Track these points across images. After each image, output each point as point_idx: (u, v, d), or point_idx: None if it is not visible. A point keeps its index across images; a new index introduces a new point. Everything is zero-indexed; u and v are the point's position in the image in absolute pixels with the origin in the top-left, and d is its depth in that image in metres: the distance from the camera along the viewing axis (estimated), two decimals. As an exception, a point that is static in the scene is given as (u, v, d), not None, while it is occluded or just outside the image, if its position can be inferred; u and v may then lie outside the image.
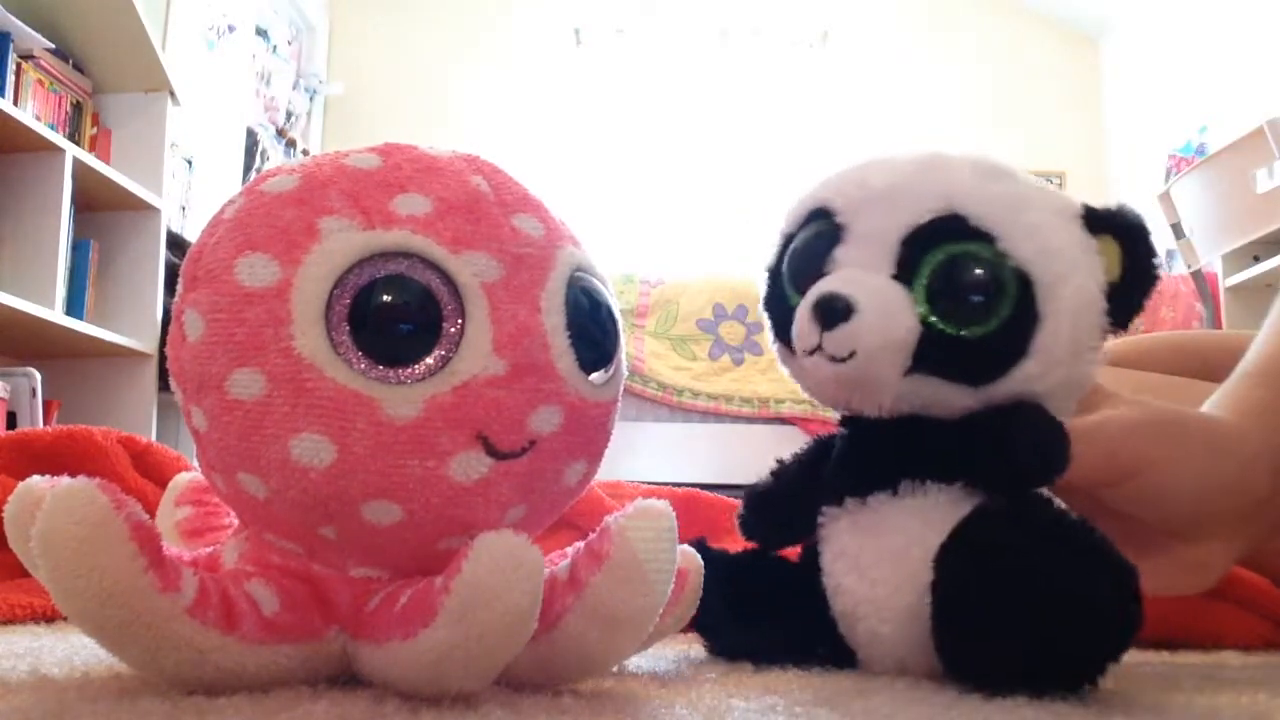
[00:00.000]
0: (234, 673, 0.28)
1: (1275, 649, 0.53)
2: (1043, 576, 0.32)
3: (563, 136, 3.78)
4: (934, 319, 0.36)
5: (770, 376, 2.32)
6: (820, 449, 0.43)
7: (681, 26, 3.85)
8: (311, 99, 3.74)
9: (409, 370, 0.29)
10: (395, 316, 0.29)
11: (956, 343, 0.36)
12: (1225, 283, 2.74)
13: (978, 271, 0.36)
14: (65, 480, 0.26)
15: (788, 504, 0.43)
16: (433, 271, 0.29)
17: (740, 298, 2.42)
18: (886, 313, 0.36)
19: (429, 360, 0.29)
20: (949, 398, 0.37)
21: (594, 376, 0.33)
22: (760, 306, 0.43)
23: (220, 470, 0.31)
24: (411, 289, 0.29)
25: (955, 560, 0.34)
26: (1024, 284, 0.36)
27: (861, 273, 0.37)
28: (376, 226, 0.29)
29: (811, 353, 0.38)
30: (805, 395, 0.42)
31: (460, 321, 0.29)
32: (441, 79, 3.81)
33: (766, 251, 0.43)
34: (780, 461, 0.45)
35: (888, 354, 0.36)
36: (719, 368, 2.41)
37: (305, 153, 3.57)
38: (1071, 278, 0.36)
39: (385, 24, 3.87)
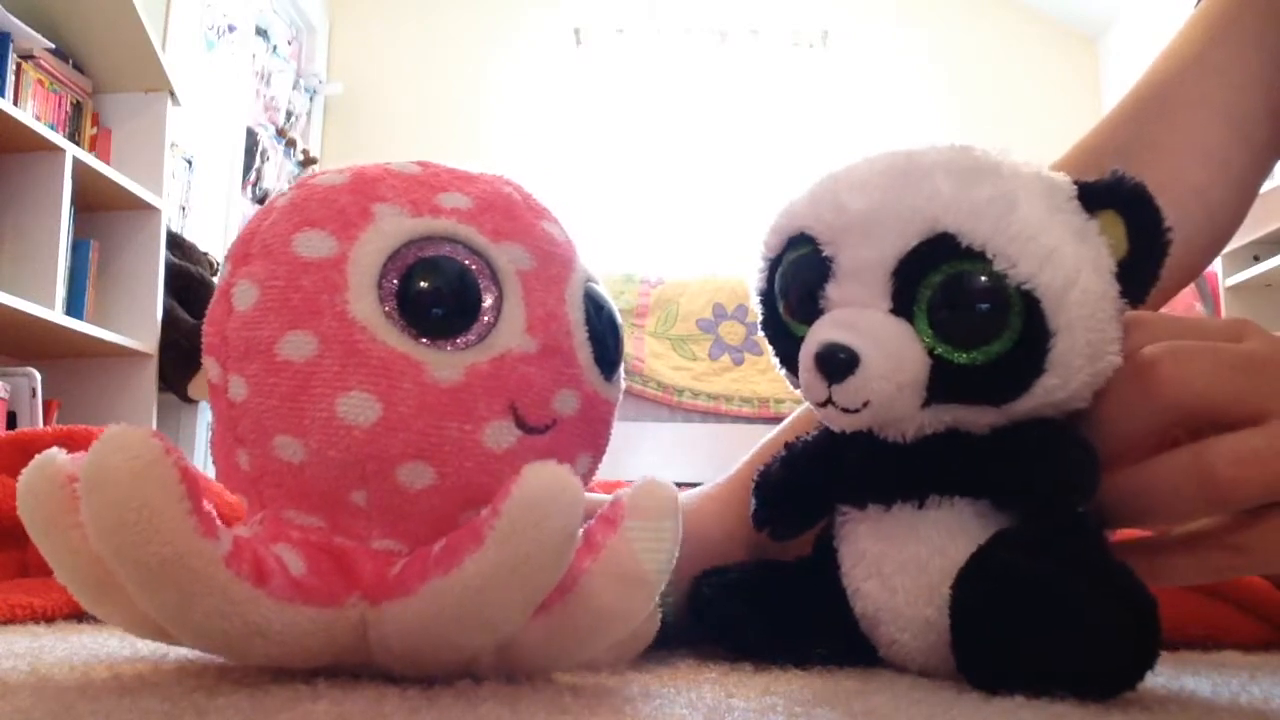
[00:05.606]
0: (259, 629, 0.28)
1: (1275, 649, 0.53)
2: (1057, 608, 0.31)
3: (563, 136, 3.78)
4: (940, 349, 0.35)
5: (770, 376, 2.32)
6: (831, 438, 0.41)
7: (681, 27, 3.86)
8: (311, 99, 3.74)
9: (454, 340, 0.31)
10: (441, 293, 0.32)
11: (968, 370, 0.35)
12: (1225, 282, 2.75)
13: (976, 293, 0.34)
14: (114, 425, 0.27)
15: (801, 496, 0.42)
16: (474, 256, 0.32)
17: (740, 298, 2.42)
18: (892, 355, 0.35)
19: (470, 335, 0.31)
20: (973, 417, 0.36)
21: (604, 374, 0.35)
22: (759, 331, 0.42)
23: (252, 441, 0.32)
24: (456, 270, 0.32)
25: (971, 586, 0.34)
26: (1029, 302, 0.34)
27: (858, 312, 0.36)
28: (425, 215, 0.33)
29: (823, 405, 0.36)
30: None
31: (498, 302, 0.32)
32: (442, 79, 3.81)
33: (752, 276, 0.41)
34: (788, 446, 0.43)
35: (902, 396, 0.35)
36: (719, 367, 2.41)
37: (305, 153, 3.58)
38: (1077, 280, 0.34)
39: (385, 24, 3.87)
